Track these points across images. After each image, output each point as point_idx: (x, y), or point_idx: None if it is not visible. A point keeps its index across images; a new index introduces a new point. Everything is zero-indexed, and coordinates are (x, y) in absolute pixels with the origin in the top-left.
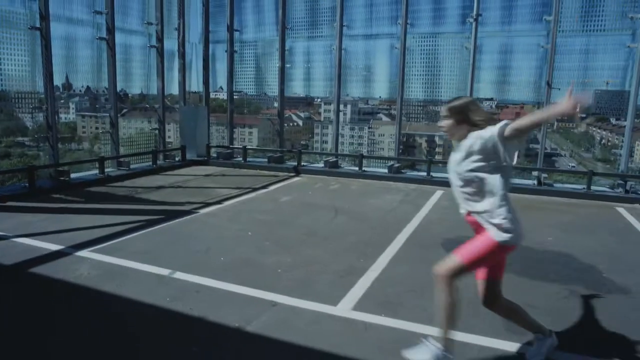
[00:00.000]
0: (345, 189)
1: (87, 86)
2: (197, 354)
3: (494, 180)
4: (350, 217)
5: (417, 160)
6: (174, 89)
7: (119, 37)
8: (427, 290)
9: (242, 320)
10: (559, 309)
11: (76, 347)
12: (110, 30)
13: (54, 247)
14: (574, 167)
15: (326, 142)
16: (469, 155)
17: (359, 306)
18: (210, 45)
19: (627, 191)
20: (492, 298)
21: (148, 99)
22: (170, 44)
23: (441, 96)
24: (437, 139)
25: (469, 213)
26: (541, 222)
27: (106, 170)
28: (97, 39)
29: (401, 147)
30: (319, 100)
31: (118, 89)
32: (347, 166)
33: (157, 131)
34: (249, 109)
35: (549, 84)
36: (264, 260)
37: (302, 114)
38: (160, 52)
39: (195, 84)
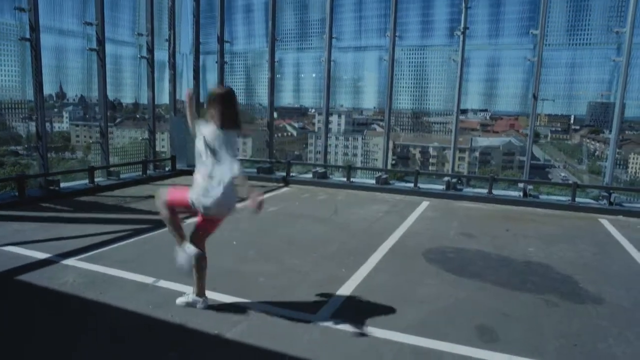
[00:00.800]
0: (332, 200)
1: (81, 95)
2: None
3: None
4: (335, 227)
5: (405, 172)
6: (164, 99)
7: (109, 48)
8: (404, 299)
9: (221, 327)
10: (531, 318)
11: (54, 354)
12: (101, 41)
13: (41, 255)
14: (566, 178)
15: (320, 152)
16: None
17: (338, 315)
18: (201, 57)
19: (611, 203)
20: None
21: (142, 109)
22: (161, 54)
23: (429, 108)
24: (430, 150)
25: None
26: (525, 233)
27: (96, 179)
28: (87, 50)
29: (394, 157)
30: (313, 110)
31: (112, 98)
32: (337, 177)
33: (147, 141)
34: (242, 119)
35: (535, 97)
36: (247, 268)
37: (296, 124)
38: (151, 63)
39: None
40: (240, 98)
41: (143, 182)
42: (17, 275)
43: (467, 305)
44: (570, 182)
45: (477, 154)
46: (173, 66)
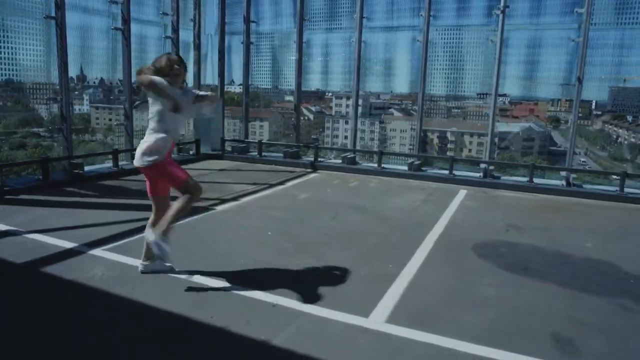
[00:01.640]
0: (364, 187)
1: (101, 78)
2: None
3: None
4: (373, 217)
5: (440, 158)
6: (188, 80)
7: (134, 28)
8: (463, 301)
9: (268, 332)
10: (610, 326)
11: (85, 357)
12: (126, 20)
13: (68, 244)
14: (585, 163)
15: (337, 136)
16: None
17: (393, 318)
18: (226, 37)
19: None
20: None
21: None
22: (185, 35)
23: (464, 91)
24: (449, 134)
25: None
26: (575, 226)
27: (120, 163)
28: (112, 29)
29: (412, 142)
30: (330, 94)
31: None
32: (363, 162)
33: None
34: (259, 102)
35: (579, 80)
36: (286, 263)
37: (313, 108)
38: (176, 43)
39: (210, 76)
40: (267, 80)
41: None
42: (43, 266)
43: (534, 310)
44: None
45: (496, 139)
46: (198, 47)
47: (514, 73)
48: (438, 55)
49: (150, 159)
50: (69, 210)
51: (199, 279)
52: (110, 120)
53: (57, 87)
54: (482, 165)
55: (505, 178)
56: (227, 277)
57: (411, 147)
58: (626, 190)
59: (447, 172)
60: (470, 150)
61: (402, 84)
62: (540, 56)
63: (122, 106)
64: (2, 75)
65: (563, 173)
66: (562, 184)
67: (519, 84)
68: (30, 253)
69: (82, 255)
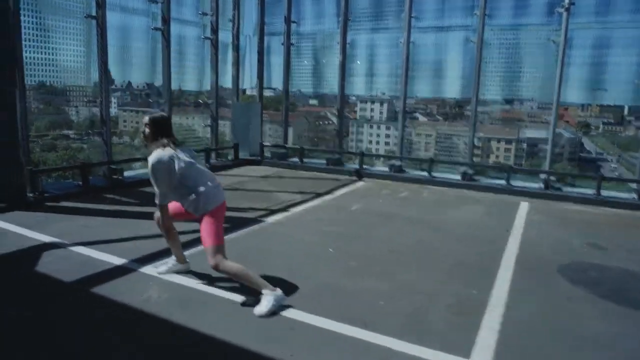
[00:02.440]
0: (416, 197)
1: (129, 81)
2: None
3: None
4: (435, 231)
5: (495, 167)
6: (226, 83)
7: (173, 28)
8: (571, 340)
9: None
10: None
11: None
12: (166, 20)
13: (116, 259)
14: (615, 169)
15: (361, 140)
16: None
17: None
18: (265, 38)
19: None
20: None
21: (186, 95)
22: (224, 36)
23: (522, 95)
24: (476, 141)
25: None
26: None
27: None
28: (152, 29)
29: (437, 148)
30: (354, 98)
31: (158, 84)
32: (410, 170)
33: (210, 128)
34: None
35: None
36: (356, 286)
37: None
38: (215, 45)
39: (248, 78)
40: (308, 83)
41: None
42: (93, 285)
43: None
44: None
45: (524, 145)
46: (237, 48)
47: (578, 75)
48: (493, 57)
49: None
50: (111, 220)
51: None
52: (137, 122)
53: (87, 89)
54: (542, 176)
55: (568, 190)
56: (295, 303)
57: (436, 152)
58: None
59: (503, 182)
60: (497, 157)
61: (451, 88)
62: (609, 57)
63: (157, 110)
64: (42, 76)
65: (634, 185)
66: (634, 197)
67: (583, 87)
68: (77, 269)
69: (133, 273)
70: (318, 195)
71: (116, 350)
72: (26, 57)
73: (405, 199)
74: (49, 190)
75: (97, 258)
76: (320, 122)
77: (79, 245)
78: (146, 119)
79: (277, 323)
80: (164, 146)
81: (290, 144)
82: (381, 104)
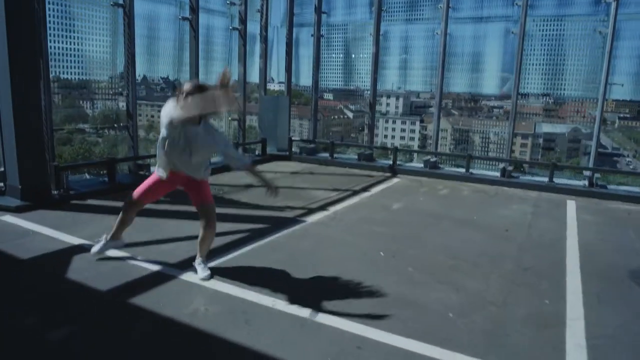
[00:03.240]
0: (457, 195)
1: (144, 75)
2: None
3: None
4: (487, 233)
5: (537, 164)
6: (253, 75)
7: (200, 18)
8: None
9: None
10: None
11: None
12: (194, 9)
13: (152, 265)
14: (630, 163)
15: (377, 135)
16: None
17: None
18: (294, 29)
19: None
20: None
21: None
22: (251, 27)
23: (564, 89)
24: (491, 135)
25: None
26: None
27: None
28: (180, 19)
29: (453, 142)
30: (368, 92)
31: (173, 76)
32: (445, 166)
33: (236, 122)
34: (299, 100)
35: None
36: (421, 296)
37: (352, 107)
38: (243, 36)
39: (275, 70)
40: (338, 75)
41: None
42: (132, 295)
43: None
44: None
45: (541, 140)
46: (265, 39)
47: (625, 69)
48: (535, 49)
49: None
50: (141, 220)
51: (325, 320)
52: (152, 116)
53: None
54: (586, 173)
55: (614, 187)
56: (359, 318)
57: (452, 146)
58: None
59: (544, 179)
60: (513, 152)
61: (489, 81)
62: None
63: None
64: (66, 67)
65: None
66: None
67: (631, 81)
68: (111, 276)
69: (173, 280)
70: (355, 192)
71: None
72: (50, 48)
73: (446, 197)
74: (74, 187)
75: (131, 263)
76: (335, 117)
77: (110, 249)
78: (190, 86)
79: (340, 339)
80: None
81: (305, 137)
82: (397, 99)
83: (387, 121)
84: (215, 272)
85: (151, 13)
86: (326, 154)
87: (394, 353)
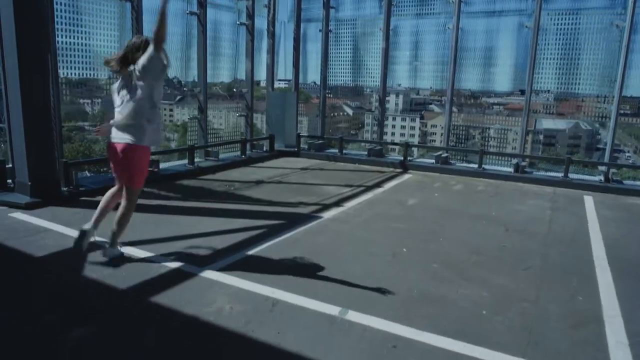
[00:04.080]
0: (471, 191)
1: None
2: None
3: None
4: (508, 229)
5: (551, 159)
6: (260, 71)
7: (208, 13)
8: None
9: None
10: None
11: None
12: (202, 4)
13: (171, 263)
14: (629, 157)
15: (375, 132)
16: None
17: None
18: (302, 24)
19: None
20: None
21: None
22: (258, 22)
23: (579, 85)
24: (491, 131)
25: None
26: None
27: (195, 160)
28: (187, 14)
29: (453, 139)
30: (369, 90)
31: (181, 72)
32: (456, 162)
33: (244, 118)
34: (300, 98)
35: None
36: (450, 293)
37: (351, 104)
38: (251, 31)
39: (282, 66)
40: (347, 71)
41: (244, 163)
42: (153, 293)
43: None
44: None
45: (541, 136)
46: (272, 35)
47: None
48: (549, 44)
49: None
50: (155, 217)
51: (355, 317)
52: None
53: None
54: (602, 168)
55: (630, 183)
56: (390, 315)
57: (452, 143)
58: None
59: (559, 174)
60: (513, 148)
61: (503, 77)
62: None
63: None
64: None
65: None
66: None
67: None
68: (129, 273)
69: (194, 278)
70: (368, 188)
71: None
72: (58, 42)
73: (461, 193)
74: (84, 183)
75: (148, 260)
76: (335, 114)
77: (126, 246)
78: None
79: (374, 338)
80: None
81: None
82: (397, 95)
83: (387, 118)
84: (236, 269)
85: (159, 7)
86: (335, 150)
87: (431, 351)
